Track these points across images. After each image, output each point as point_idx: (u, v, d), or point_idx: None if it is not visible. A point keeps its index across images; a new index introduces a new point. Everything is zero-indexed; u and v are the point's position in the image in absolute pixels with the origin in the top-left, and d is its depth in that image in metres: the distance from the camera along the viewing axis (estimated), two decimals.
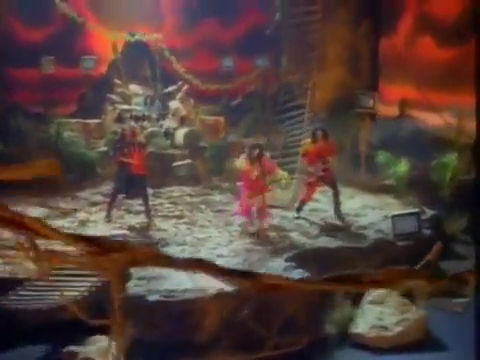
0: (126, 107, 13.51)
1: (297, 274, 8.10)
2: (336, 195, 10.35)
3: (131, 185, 9.99)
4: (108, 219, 10.02)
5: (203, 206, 11.16)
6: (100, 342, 7.18)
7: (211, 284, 7.45)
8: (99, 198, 11.43)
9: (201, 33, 14.39)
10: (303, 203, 10.54)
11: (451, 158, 11.13)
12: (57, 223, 9.20)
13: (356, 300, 8.31)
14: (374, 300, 8.20)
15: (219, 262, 7.74)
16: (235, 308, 7.61)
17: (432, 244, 9.17)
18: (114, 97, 13.55)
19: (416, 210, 9.78)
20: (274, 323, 7.74)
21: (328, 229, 9.90)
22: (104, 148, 12.70)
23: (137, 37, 14.18)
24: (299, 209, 10.51)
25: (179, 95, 13.65)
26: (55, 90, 13.07)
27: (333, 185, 10.37)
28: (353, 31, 13.52)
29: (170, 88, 13.76)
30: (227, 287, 7.53)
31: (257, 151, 9.54)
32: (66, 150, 11.95)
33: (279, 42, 13.96)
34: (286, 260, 8.57)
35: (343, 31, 13.38)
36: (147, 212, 10.08)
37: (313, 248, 9.12)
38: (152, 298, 7.52)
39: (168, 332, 7.46)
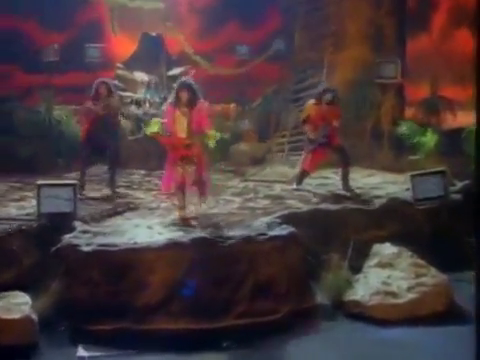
0: (128, 94, 12.12)
1: (280, 230, 6.21)
2: (344, 164, 8.38)
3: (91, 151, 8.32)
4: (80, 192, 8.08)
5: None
6: (13, 298, 5.43)
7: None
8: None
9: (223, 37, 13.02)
10: (304, 174, 8.63)
11: None
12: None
13: (357, 264, 6.25)
14: (381, 263, 6.11)
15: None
16: (191, 264, 5.71)
17: (462, 210, 7.36)
18: (116, 82, 12.12)
19: (442, 169, 7.60)
20: (243, 286, 5.78)
21: (332, 198, 7.90)
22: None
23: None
24: (299, 180, 8.63)
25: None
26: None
27: (341, 152, 8.42)
28: (375, 8, 11.66)
29: (175, 70, 12.24)
30: (183, 237, 5.74)
31: (187, 94, 6.51)
32: (56, 129, 10.51)
33: (295, 19, 12.25)
34: (272, 218, 6.62)
35: (363, 6, 11.57)
36: (111, 183, 8.30)
37: (308, 210, 7.12)
38: (87, 248, 5.73)
39: (103, 291, 5.64)
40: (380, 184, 8.92)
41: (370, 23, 11.40)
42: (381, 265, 6.06)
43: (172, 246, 5.75)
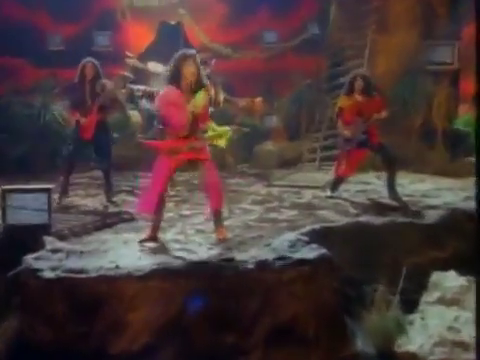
0: (143, 87, 10.82)
1: (308, 251, 4.74)
2: (389, 167, 6.89)
3: (80, 153, 7.01)
4: (58, 201, 6.75)
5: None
6: None
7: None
8: (84, 181, 8.65)
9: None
10: (340, 179, 7.22)
11: None
12: None
13: (411, 299, 4.72)
14: (444, 299, 4.56)
15: (198, 237, 5.38)
16: (187, 298, 4.29)
17: None
18: (126, 74, 10.90)
19: None
20: (257, 329, 4.32)
21: (375, 208, 6.41)
22: None
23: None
24: (334, 186, 7.24)
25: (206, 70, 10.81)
26: None
27: (384, 153, 6.92)
28: None
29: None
30: (176, 262, 4.34)
31: (196, 71, 4.97)
32: (53, 125, 9.29)
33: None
34: (297, 235, 5.15)
35: None
36: (107, 191, 7.01)
37: (345, 224, 5.62)
38: (49, 274, 4.36)
39: (70, 332, 4.26)
40: (433, 191, 7.40)
41: (419, 1, 9.84)
42: (445, 302, 4.52)
43: (162, 273, 4.34)
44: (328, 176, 8.24)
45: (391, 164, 6.91)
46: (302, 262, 4.54)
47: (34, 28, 11.27)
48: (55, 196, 6.54)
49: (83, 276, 4.33)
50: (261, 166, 9.50)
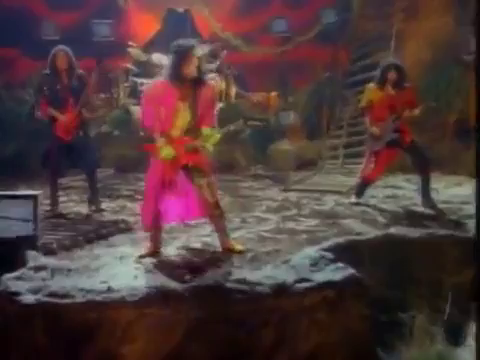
0: (146, 81, 10.44)
1: (334, 271, 4.25)
2: (423, 169, 6.40)
3: (61, 155, 6.47)
4: (51, 209, 6.34)
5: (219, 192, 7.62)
6: None
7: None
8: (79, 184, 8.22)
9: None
10: (366, 182, 6.78)
11: None
12: None
13: (457, 329, 4.21)
14: None
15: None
16: (191, 328, 3.81)
17: None
18: (129, 66, 10.55)
19: None
20: None
21: (408, 218, 5.92)
22: (108, 129, 9.65)
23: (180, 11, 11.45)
24: (360, 191, 6.79)
25: (216, 62, 10.39)
26: None
27: (417, 153, 6.44)
28: None
29: (200, 49, 10.35)
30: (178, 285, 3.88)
31: (196, 63, 4.56)
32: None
33: None
34: (320, 250, 4.68)
35: None
36: (93, 197, 6.54)
37: (375, 237, 5.13)
38: (29, 299, 3.90)
39: None
40: (473, 197, 6.85)
41: None
42: None
43: (161, 298, 3.86)
44: (352, 179, 7.86)
45: (425, 166, 6.45)
46: (327, 285, 4.08)
47: (29, 15, 10.91)
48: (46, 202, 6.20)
49: (68, 301, 3.86)
50: (276, 168, 9.19)
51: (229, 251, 4.74)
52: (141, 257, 4.70)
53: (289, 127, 10.09)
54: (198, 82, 4.57)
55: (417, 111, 6.42)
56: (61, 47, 6.42)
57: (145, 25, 11.52)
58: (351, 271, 4.18)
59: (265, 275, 4.23)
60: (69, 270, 4.41)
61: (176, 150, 4.52)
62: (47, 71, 6.41)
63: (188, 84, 4.55)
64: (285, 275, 4.21)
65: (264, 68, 10.52)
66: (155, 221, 4.70)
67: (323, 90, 10.20)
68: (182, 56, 4.51)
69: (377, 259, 4.74)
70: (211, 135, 4.62)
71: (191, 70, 4.51)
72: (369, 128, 6.61)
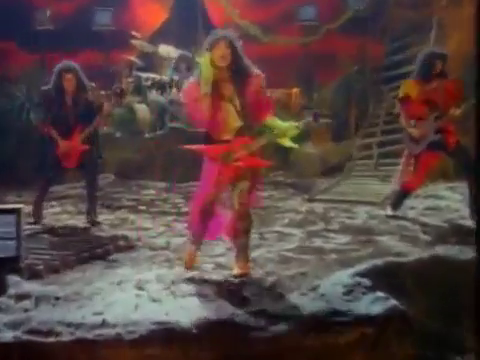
0: (152, 75, 10.25)
1: (373, 302, 3.87)
2: (471, 176, 5.98)
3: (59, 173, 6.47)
4: (34, 219, 6.16)
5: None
6: None
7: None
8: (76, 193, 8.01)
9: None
10: (405, 191, 6.42)
11: None
12: None
13: None
14: None
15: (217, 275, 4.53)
16: None
17: None
18: (133, 59, 10.35)
19: None
20: None
21: (456, 234, 5.51)
22: (110, 130, 9.36)
23: None
24: (397, 202, 6.44)
25: None
26: None
27: (463, 157, 6.02)
28: None
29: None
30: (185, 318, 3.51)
31: (230, 54, 4.48)
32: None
33: None
34: (355, 275, 4.30)
35: None
36: (90, 207, 6.31)
37: (417, 259, 4.74)
38: (6, 336, 3.54)
39: None
40: None
41: None
42: None
43: (164, 336, 3.48)
44: (387, 187, 7.56)
45: (470, 176, 6.00)
46: (365, 319, 3.70)
47: (25, 4, 10.76)
48: None
49: (53, 340, 3.50)
50: (300, 174, 9.00)
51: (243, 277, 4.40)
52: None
53: (313, 127, 9.77)
54: (241, 74, 4.43)
55: (459, 110, 6.03)
56: (67, 65, 6.15)
57: (150, 13, 11.44)
58: (393, 302, 3.83)
59: (289, 305, 3.90)
60: (57, 298, 4.09)
61: (236, 152, 4.40)
62: (50, 87, 6.17)
63: (229, 77, 4.46)
64: (313, 306, 3.85)
65: (285, 61, 10.28)
66: (199, 228, 4.65)
67: (351, 86, 10.01)
68: (213, 48, 4.38)
69: (423, 286, 4.35)
70: (289, 128, 4.50)
71: (221, 60, 4.39)
72: (406, 128, 6.24)
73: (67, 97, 6.13)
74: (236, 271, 4.42)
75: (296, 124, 4.58)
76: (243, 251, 4.51)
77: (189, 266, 4.65)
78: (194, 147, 4.64)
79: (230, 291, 4.14)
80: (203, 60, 4.38)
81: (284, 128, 4.51)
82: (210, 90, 4.35)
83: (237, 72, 4.45)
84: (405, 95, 6.27)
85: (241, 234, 4.51)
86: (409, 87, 6.27)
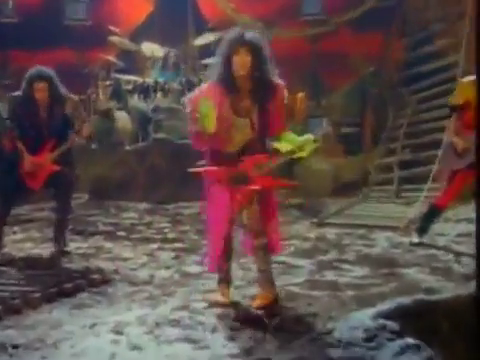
0: (134, 78, 10.44)
1: (402, 351, 3.73)
2: None
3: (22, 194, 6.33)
4: None
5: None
6: None
7: None
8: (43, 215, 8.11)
9: None
10: (433, 211, 6.47)
11: None
12: None
13: None
14: None
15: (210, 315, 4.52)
16: None
17: None
18: (111, 58, 10.72)
19: None
20: None
21: None
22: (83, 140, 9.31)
23: None
24: (424, 226, 6.50)
25: None
26: None
27: None
28: None
29: (205, 38, 10.67)
30: None
31: (251, 58, 4.50)
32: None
33: None
34: (377, 316, 4.18)
35: None
36: (59, 236, 6.23)
37: (455, 297, 4.61)
38: None
39: None
40: None
41: None
42: None
43: None
44: (410, 209, 7.60)
45: None
46: None
47: None
48: None
49: None
50: (307, 193, 8.97)
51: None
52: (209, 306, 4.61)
53: (322, 139, 9.79)
54: (263, 84, 4.48)
55: None
56: (40, 72, 6.01)
57: (132, 5, 11.76)
58: (429, 352, 3.64)
59: (298, 356, 3.75)
60: (15, 347, 3.96)
61: (248, 172, 4.51)
62: (20, 94, 6.08)
63: (247, 91, 4.50)
64: (327, 355, 3.72)
65: (290, 61, 10.25)
66: (223, 262, 4.74)
67: (366, 90, 10.16)
68: (233, 51, 4.40)
69: (462, 331, 4.19)
70: (306, 142, 4.58)
71: (242, 68, 4.42)
72: (452, 139, 6.20)
73: (40, 108, 6.03)
74: (257, 302, 4.51)
75: (313, 137, 4.61)
76: (263, 274, 4.62)
77: (227, 303, 4.68)
78: (200, 170, 4.66)
79: (226, 336, 4.03)
80: (204, 110, 4.38)
81: (300, 142, 4.58)
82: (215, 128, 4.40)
83: (259, 82, 4.48)
84: (465, 99, 6.03)
85: (259, 252, 4.61)
86: (469, 90, 5.78)
